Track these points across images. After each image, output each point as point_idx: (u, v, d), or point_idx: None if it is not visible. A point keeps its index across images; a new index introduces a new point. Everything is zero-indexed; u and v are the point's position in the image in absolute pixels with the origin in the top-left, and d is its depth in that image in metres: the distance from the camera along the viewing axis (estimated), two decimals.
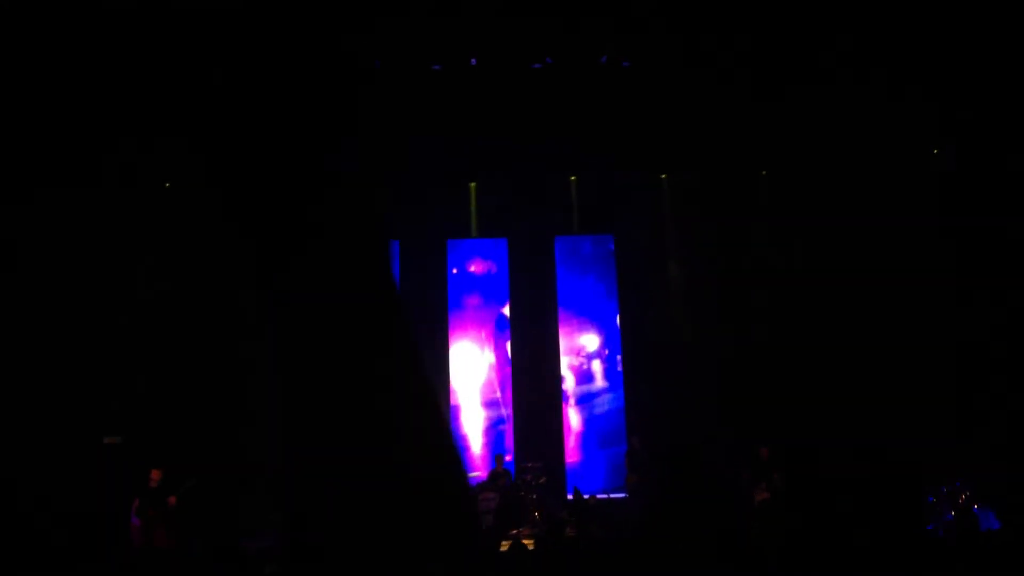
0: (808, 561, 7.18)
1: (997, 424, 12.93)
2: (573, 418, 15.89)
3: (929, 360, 13.80)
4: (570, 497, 14.49)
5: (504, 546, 9.70)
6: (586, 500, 13.99)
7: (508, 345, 16.04)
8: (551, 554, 7.74)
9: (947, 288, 14.05)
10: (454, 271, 16.25)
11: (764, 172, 15.80)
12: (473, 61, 13.39)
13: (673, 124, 14.38)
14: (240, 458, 14.08)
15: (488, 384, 16.01)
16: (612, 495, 14.47)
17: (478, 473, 14.70)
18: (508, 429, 15.76)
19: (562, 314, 16.13)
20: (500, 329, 16.10)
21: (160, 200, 14.91)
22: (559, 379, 15.93)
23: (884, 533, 8.23)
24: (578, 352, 16.14)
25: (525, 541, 10.01)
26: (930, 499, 11.97)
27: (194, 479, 11.86)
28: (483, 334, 16.13)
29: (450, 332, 16.02)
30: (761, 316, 14.98)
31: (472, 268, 16.34)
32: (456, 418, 15.74)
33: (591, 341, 16.19)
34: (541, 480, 14.13)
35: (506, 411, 15.83)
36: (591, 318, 16.23)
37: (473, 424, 15.80)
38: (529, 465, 14.49)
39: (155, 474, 11.99)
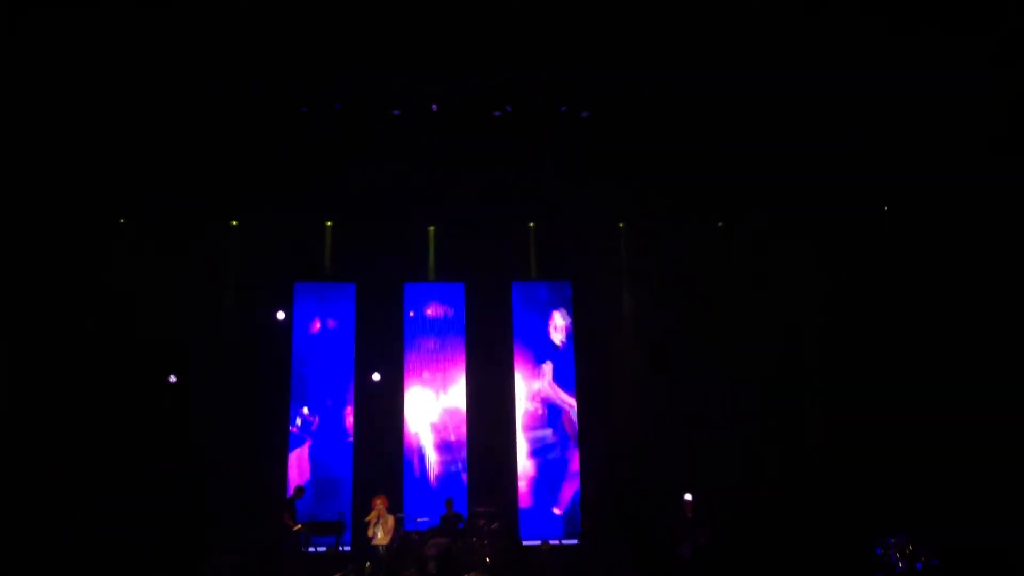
0: None
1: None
2: (527, 464, 15.87)
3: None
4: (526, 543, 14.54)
5: None
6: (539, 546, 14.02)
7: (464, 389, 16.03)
8: None
9: None
10: (411, 314, 16.25)
11: (720, 224, 16.04)
12: (434, 107, 13.50)
13: (630, 173, 14.55)
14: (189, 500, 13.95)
15: (442, 427, 15.97)
16: (565, 542, 14.41)
17: (426, 519, 14.62)
18: (462, 473, 15.69)
19: (518, 358, 16.16)
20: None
21: None
22: (514, 424, 15.91)
23: None
24: (533, 397, 16.17)
25: None
26: (878, 551, 12.12)
27: None
28: (438, 376, 16.11)
29: (405, 375, 15.96)
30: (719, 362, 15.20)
31: (429, 312, 16.36)
32: (410, 461, 15.68)
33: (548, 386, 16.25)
34: (494, 526, 14.07)
35: (460, 456, 15.79)
36: (547, 361, 16.27)
37: (426, 467, 15.72)
38: (481, 510, 14.44)
39: None
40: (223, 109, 13.19)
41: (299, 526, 13.68)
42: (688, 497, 13.34)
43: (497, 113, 13.61)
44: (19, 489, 12.65)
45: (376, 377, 15.39)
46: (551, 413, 16.12)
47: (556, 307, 16.40)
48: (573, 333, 16.36)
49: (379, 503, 12.33)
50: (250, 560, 12.80)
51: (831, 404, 14.62)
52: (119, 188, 14.13)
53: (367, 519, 12.42)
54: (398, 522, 13.60)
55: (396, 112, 13.48)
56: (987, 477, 12.36)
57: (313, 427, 15.59)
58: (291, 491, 14.33)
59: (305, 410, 15.62)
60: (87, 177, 13.62)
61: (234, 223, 15.65)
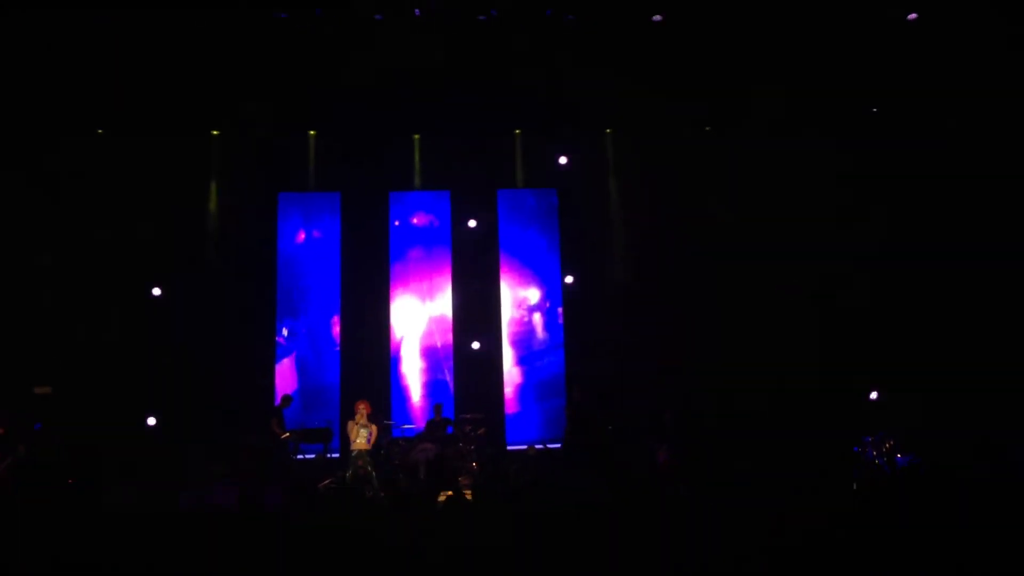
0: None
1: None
2: (513, 370, 16.03)
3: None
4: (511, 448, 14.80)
5: (442, 497, 9.77)
6: (526, 451, 14.27)
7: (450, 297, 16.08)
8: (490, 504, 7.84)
9: None
10: (396, 223, 16.17)
11: (708, 128, 15.90)
12: (417, 12, 13.18)
13: (618, 78, 14.32)
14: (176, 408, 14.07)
15: (428, 335, 16.06)
16: (549, 446, 14.63)
17: (412, 425, 14.84)
18: (448, 380, 15.85)
19: (504, 267, 16.18)
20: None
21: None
22: (500, 331, 16.00)
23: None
24: (519, 305, 16.25)
25: (465, 492, 10.11)
26: (855, 448, 12.39)
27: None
28: (424, 286, 16.13)
29: (391, 285, 15.97)
30: (702, 269, 15.26)
31: (415, 221, 16.29)
32: (397, 369, 15.81)
33: (533, 294, 16.30)
34: (480, 431, 14.30)
35: (447, 364, 15.94)
36: (533, 271, 16.30)
37: (413, 375, 15.87)
38: (468, 416, 14.66)
39: None
40: (201, 15, 12.87)
41: (287, 434, 13.84)
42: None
43: (482, 17, 13.33)
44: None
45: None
46: (536, 320, 16.21)
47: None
48: (560, 241, 16.32)
49: (361, 407, 12.39)
50: (239, 468, 12.97)
51: (819, 309, 14.73)
52: (96, 98, 13.84)
53: (349, 423, 12.51)
54: (384, 429, 13.76)
55: (379, 17, 13.18)
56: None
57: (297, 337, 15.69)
58: (279, 400, 14.45)
59: (285, 330, 15.68)
60: (63, 85, 13.36)
61: (215, 132, 15.43)
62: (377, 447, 12.90)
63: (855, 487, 9.81)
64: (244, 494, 8.34)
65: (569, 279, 16.04)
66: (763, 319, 14.77)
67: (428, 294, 16.11)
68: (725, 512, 6.77)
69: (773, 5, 13.18)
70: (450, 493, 9.15)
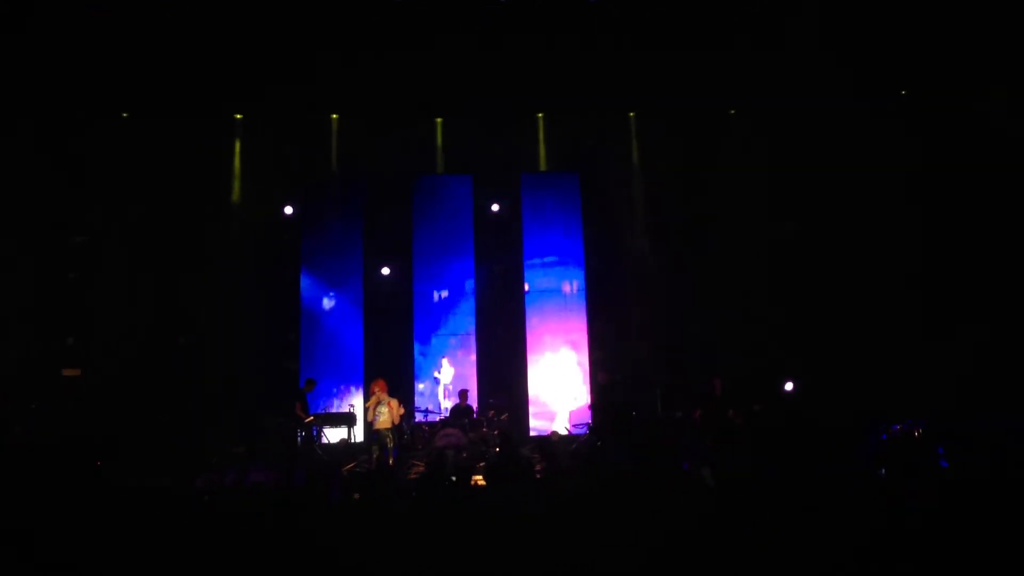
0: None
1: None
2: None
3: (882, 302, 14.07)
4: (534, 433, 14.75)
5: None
6: (549, 437, 14.20)
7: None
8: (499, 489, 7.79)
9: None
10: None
11: (732, 111, 15.73)
12: None
13: (641, 62, 14.15)
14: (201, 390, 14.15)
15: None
16: (573, 431, 14.58)
17: (433, 409, 14.90)
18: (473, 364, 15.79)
19: (527, 251, 16.10)
20: None
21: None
22: (524, 316, 15.92)
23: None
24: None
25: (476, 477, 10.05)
26: (883, 436, 12.18)
27: None
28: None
29: (414, 268, 15.96)
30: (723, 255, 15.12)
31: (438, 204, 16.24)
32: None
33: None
34: (503, 416, 14.26)
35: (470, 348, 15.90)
36: (557, 255, 16.19)
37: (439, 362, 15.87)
38: (492, 401, 14.64)
39: None
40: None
41: (311, 418, 13.89)
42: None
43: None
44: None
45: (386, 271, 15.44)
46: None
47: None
48: (583, 227, 16.20)
49: (376, 388, 12.39)
50: (262, 451, 13.04)
51: (847, 293, 14.50)
52: (118, 83, 13.88)
53: (366, 405, 12.53)
54: (408, 412, 13.77)
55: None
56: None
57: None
58: (303, 383, 14.49)
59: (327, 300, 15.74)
60: (87, 71, 13.42)
61: (238, 116, 15.47)
62: (401, 431, 12.92)
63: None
64: (282, 473, 8.36)
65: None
66: (789, 300, 14.61)
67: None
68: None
69: None
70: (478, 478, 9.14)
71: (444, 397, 15.40)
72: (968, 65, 13.23)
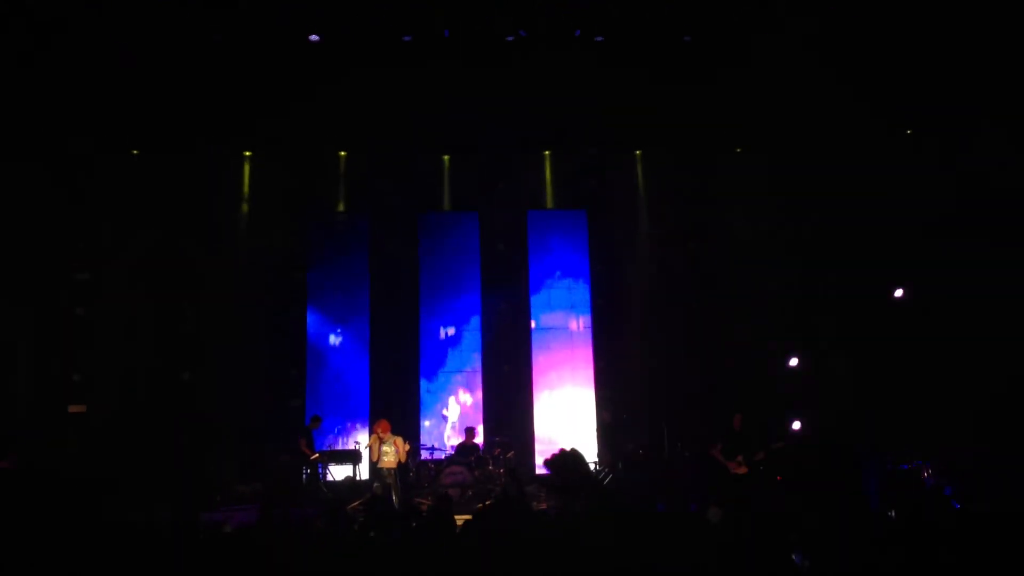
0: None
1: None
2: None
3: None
4: (540, 471, 14.61)
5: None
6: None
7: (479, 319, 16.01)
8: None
9: None
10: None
11: (739, 150, 15.78)
12: (447, 32, 13.20)
13: (647, 100, 14.23)
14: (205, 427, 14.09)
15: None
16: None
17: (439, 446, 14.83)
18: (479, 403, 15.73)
19: (533, 288, 16.08)
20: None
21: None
22: (530, 353, 15.88)
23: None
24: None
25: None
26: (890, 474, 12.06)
27: None
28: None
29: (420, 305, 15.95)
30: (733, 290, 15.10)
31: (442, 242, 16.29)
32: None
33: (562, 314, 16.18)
34: (509, 454, 14.18)
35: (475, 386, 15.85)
36: (563, 293, 16.18)
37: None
38: (497, 439, 14.56)
39: None
40: (226, 38, 12.98)
41: (316, 455, 13.82)
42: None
43: (510, 38, 13.31)
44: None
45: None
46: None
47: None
48: (589, 264, 16.21)
49: (379, 429, 12.34)
50: (268, 488, 12.97)
51: (853, 335, 14.39)
52: (127, 118, 13.98)
53: (368, 444, 12.46)
54: (413, 449, 13.70)
55: (407, 38, 13.21)
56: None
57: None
58: (308, 420, 14.45)
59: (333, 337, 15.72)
60: (97, 107, 13.51)
61: (247, 153, 15.57)
62: (406, 469, 12.85)
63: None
64: (265, 513, 8.28)
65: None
66: (798, 336, 14.55)
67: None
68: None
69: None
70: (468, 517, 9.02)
71: (451, 434, 15.35)
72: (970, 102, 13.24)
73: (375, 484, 12.28)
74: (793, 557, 6.19)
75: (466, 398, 15.67)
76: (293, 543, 6.28)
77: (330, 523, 7.29)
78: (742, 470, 11.72)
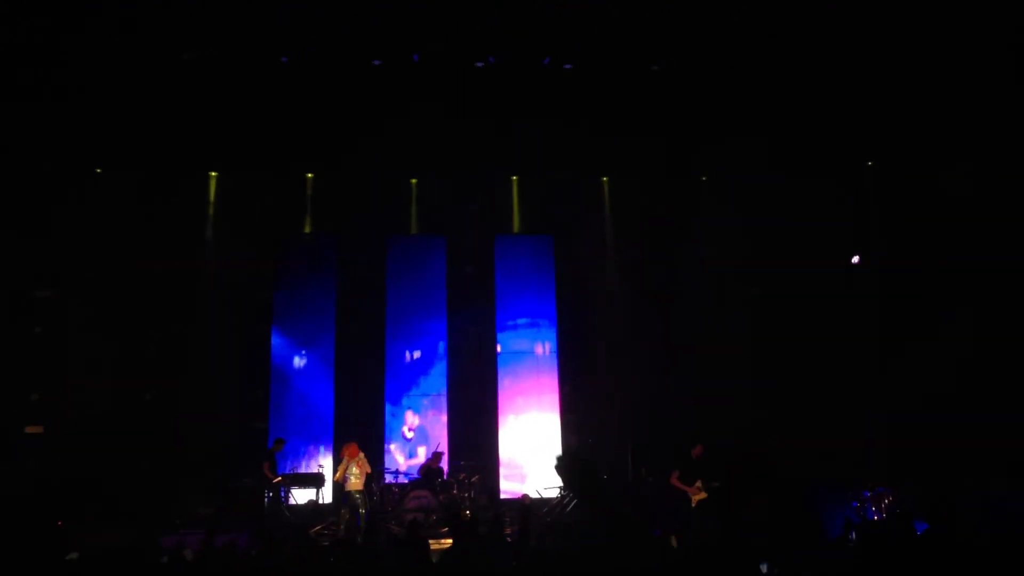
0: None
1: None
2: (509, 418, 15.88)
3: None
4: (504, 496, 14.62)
5: (434, 545, 9.62)
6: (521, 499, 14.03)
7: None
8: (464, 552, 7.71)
9: None
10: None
11: (704, 178, 15.98)
12: (416, 57, 13.27)
13: (615, 126, 14.38)
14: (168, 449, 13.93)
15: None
16: (544, 494, 14.48)
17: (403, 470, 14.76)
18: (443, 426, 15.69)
19: (499, 313, 16.11)
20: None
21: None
22: (496, 377, 15.88)
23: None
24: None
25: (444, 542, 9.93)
26: (854, 503, 12.18)
27: None
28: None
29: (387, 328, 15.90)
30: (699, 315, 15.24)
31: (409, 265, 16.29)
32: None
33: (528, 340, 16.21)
34: (474, 478, 14.14)
35: (441, 410, 15.81)
36: (530, 316, 16.22)
37: (408, 422, 15.74)
38: (463, 463, 14.53)
39: None
40: (198, 60, 12.96)
41: (279, 478, 13.69)
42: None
43: (480, 64, 13.40)
44: None
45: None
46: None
47: None
48: (556, 289, 16.27)
49: (346, 453, 12.28)
50: (229, 511, 12.82)
51: (823, 357, 14.54)
52: (91, 137, 13.87)
53: (335, 467, 12.42)
54: (377, 473, 13.63)
55: (376, 62, 13.25)
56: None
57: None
58: (271, 443, 14.32)
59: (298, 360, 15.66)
60: (62, 124, 13.39)
61: (213, 174, 15.49)
62: (370, 492, 12.79)
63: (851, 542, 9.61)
64: (207, 538, 8.19)
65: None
66: (766, 364, 14.70)
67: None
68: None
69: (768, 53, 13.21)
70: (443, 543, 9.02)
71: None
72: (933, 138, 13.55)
73: (342, 509, 12.18)
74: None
75: (413, 420, 15.61)
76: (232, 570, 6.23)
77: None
78: (701, 495, 11.78)
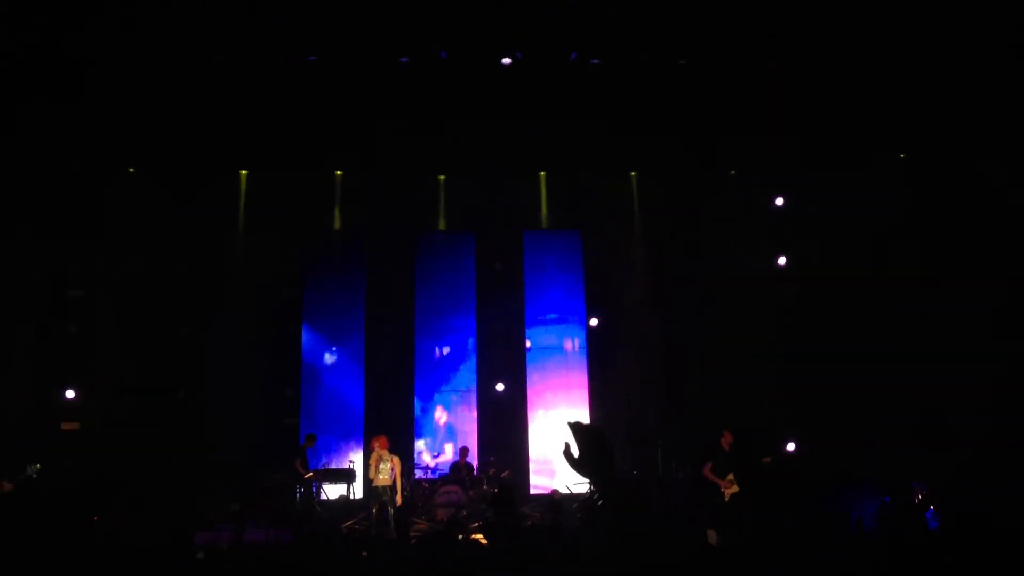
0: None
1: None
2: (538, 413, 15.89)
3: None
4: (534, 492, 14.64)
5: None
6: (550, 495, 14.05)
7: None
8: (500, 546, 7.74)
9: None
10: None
11: (733, 173, 15.88)
12: (443, 54, 13.29)
13: (643, 122, 14.32)
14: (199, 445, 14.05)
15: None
16: (574, 489, 14.46)
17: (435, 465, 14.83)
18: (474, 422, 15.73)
19: (528, 308, 16.11)
20: None
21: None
22: (524, 373, 15.89)
23: None
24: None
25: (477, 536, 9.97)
26: (886, 499, 12.09)
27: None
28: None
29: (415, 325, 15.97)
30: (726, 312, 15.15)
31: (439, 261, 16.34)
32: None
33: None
34: (504, 474, 14.17)
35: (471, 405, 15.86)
36: (558, 312, 16.22)
37: (438, 417, 15.80)
38: (492, 459, 14.56)
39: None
40: (226, 60, 13.06)
41: (311, 474, 13.80)
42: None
43: (507, 60, 13.39)
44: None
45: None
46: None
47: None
48: (584, 283, 16.26)
49: (376, 444, 12.24)
50: (260, 507, 12.93)
51: (849, 353, 14.42)
52: (124, 137, 14.03)
53: (368, 462, 12.40)
54: (407, 469, 13.67)
55: (404, 59, 13.29)
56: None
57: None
58: (303, 438, 14.42)
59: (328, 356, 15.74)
60: (95, 124, 13.55)
61: (243, 172, 15.60)
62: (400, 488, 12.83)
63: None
64: (237, 534, 8.27)
65: (594, 321, 15.97)
66: (791, 359, 14.61)
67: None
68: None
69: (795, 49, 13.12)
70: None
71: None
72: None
73: (373, 508, 12.17)
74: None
75: (441, 416, 15.68)
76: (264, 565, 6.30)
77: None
78: (734, 488, 11.71)
